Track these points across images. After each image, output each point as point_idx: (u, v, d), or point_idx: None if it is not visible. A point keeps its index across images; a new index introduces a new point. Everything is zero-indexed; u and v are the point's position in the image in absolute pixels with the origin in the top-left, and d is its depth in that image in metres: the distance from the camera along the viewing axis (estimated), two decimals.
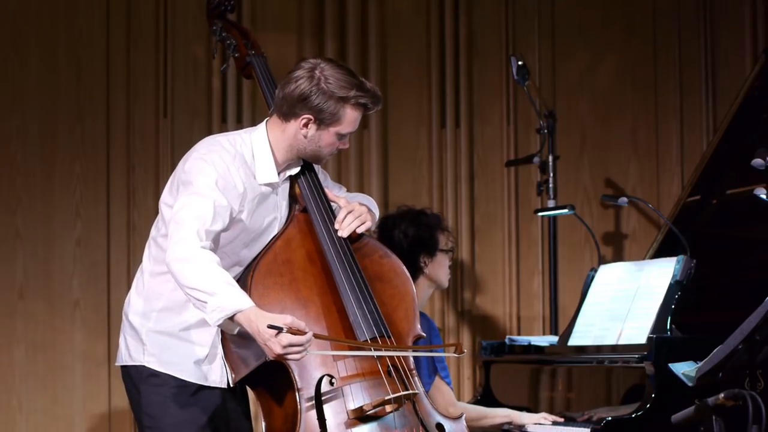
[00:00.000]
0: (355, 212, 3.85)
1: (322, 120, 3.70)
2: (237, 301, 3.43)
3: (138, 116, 5.79)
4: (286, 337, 3.39)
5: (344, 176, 5.92)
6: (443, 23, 6.14)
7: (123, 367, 3.83)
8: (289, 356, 3.43)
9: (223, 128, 5.78)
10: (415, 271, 4.59)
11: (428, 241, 4.63)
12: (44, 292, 5.65)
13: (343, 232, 3.80)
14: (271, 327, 3.38)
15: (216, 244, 3.62)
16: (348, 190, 4.16)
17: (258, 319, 3.41)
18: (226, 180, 3.65)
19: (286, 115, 3.73)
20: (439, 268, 4.67)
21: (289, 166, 3.82)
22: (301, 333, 3.41)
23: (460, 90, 6.13)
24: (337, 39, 6.04)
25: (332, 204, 3.90)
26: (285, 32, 5.98)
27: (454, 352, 3.74)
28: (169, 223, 3.60)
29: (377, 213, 4.05)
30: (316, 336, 3.50)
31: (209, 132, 5.65)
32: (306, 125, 3.71)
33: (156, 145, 5.79)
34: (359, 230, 3.84)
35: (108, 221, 5.73)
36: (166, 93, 5.83)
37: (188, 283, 3.46)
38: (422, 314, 4.60)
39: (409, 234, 4.62)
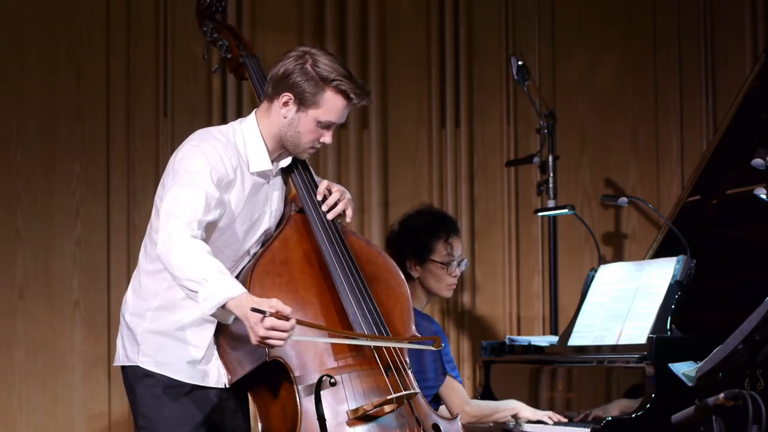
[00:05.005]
0: (338, 191, 3.83)
1: (302, 100, 3.65)
2: (228, 289, 3.40)
3: (138, 116, 5.79)
4: (269, 320, 3.35)
5: (344, 176, 5.92)
6: (443, 23, 6.14)
7: (121, 367, 3.83)
8: (270, 341, 3.39)
9: None
10: (406, 277, 4.55)
11: (421, 248, 4.57)
12: (44, 292, 5.65)
13: (330, 215, 3.79)
14: (254, 310, 3.35)
15: (208, 234, 3.62)
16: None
17: (246, 304, 3.38)
18: (218, 170, 3.63)
19: (270, 96, 3.72)
20: (432, 278, 4.60)
21: (280, 156, 3.79)
22: (285, 318, 3.38)
23: (460, 90, 6.13)
24: (337, 39, 6.04)
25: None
26: (285, 32, 5.97)
27: (432, 346, 3.74)
28: (161, 215, 3.58)
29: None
30: (299, 322, 3.46)
31: None
32: (286, 104, 3.67)
33: (156, 145, 5.79)
34: (348, 213, 3.83)
35: (108, 221, 5.73)
36: (166, 93, 5.83)
37: (180, 274, 3.44)
38: (426, 316, 4.60)
39: (404, 239, 4.59)
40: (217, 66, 4.34)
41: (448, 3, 6.13)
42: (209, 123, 5.83)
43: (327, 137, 3.72)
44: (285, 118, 3.69)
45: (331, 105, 3.67)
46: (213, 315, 3.46)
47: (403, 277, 3.93)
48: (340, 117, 3.70)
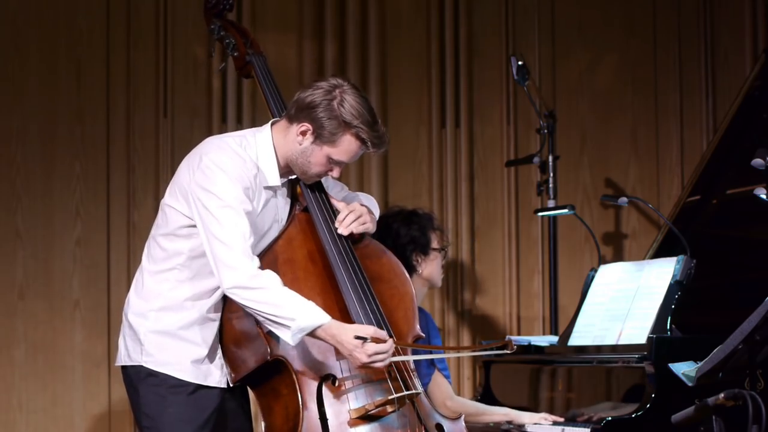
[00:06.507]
0: (355, 212, 3.85)
1: (320, 135, 3.67)
2: (317, 318, 3.55)
3: (138, 116, 5.78)
4: (372, 347, 3.53)
5: (344, 176, 5.85)
6: (443, 23, 6.14)
7: (122, 367, 3.83)
8: (375, 364, 3.55)
9: (223, 128, 5.78)
10: (409, 271, 4.60)
11: (421, 240, 4.64)
12: (44, 292, 5.65)
13: (343, 231, 3.81)
14: (357, 338, 3.52)
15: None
16: (348, 190, 4.16)
17: (341, 332, 3.54)
18: (243, 184, 3.66)
19: (291, 118, 3.74)
20: (433, 267, 4.67)
21: (288, 173, 3.81)
22: (383, 341, 3.54)
23: (460, 90, 6.13)
24: (337, 39, 6.04)
25: (334, 204, 3.90)
26: (285, 32, 5.98)
27: (506, 349, 3.78)
28: (206, 239, 3.60)
29: (378, 212, 4.06)
30: (396, 343, 3.61)
31: (209, 132, 5.65)
32: (303, 133, 3.69)
33: (156, 145, 5.79)
34: (358, 230, 3.84)
35: (108, 221, 5.73)
36: (166, 93, 5.83)
37: (262, 309, 3.55)
38: (420, 309, 4.61)
39: (401, 233, 4.63)
40: (224, 64, 4.34)
41: (448, 3, 6.13)
42: (209, 123, 5.84)
43: (335, 172, 3.78)
44: (300, 145, 3.72)
45: (347, 147, 3.70)
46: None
47: (408, 276, 3.95)
48: (352, 159, 3.75)
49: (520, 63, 5.56)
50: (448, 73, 6.13)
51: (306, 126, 3.68)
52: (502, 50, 6.13)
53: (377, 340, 3.54)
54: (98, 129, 5.74)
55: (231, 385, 3.78)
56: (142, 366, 3.75)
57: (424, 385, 4.45)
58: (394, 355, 3.67)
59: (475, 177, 6.12)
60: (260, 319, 3.58)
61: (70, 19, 5.74)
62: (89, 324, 5.67)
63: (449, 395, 4.56)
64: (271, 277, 3.57)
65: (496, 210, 6.12)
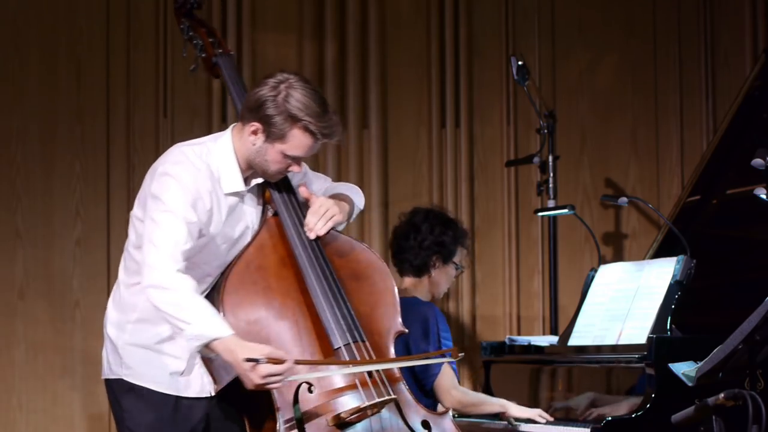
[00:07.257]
0: (319, 211, 3.78)
1: (270, 133, 3.63)
2: (214, 330, 3.46)
3: (138, 116, 5.79)
4: (265, 368, 3.41)
5: (344, 176, 5.92)
6: (443, 23, 6.14)
7: (105, 380, 3.82)
8: (269, 386, 3.45)
9: (223, 128, 5.72)
10: (423, 269, 4.61)
11: (449, 247, 4.66)
12: (44, 292, 5.65)
13: (311, 234, 3.76)
14: (248, 360, 3.40)
15: (187, 258, 3.60)
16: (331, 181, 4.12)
17: (237, 350, 3.44)
18: (194, 196, 3.62)
19: (243, 119, 3.70)
20: (443, 278, 4.70)
21: (253, 175, 3.76)
22: (280, 361, 3.42)
23: (460, 90, 6.13)
24: (337, 39, 6.04)
25: (307, 202, 3.84)
26: (285, 32, 5.98)
27: (453, 357, 3.74)
28: (143, 241, 3.58)
29: (360, 200, 4.00)
30: (298, 362, 3.50)
31: (209, 132, 5.64)
32: (255, 133, 3.65)
33: (156, 145, 5.79)
34: (325, 230, 3.77)
35: (108, 221, 5.73)
36: (166, 93, 5.83)
37: (167, 310, 3.49)
38: (428, 303, 4.61)
39: (435, 231, 4.64)
40: (195, 65, 4.27)
41: (448, 3, 6.13)
42: (209, 123, 5.84)
43: (295, 168, 3.70)
44: (254, 145, 3.67)
45: (298, 142, 3.64)
46: (199, 351, 3.52)
47: (387, 270, 3.88)
48: (306, 153, 3.68)
49: (520, 63, 5.56)
50: (448, 73, 6.13)
51: (256, 125, 3.64)
52: (502, 50, 6.13)
53: (274, 361, 3.42)
54: (98, 129, 5.75)
55: (213, 394, 3.74)
56: (123, 380, 3.74)
57: (434, 375, 4.47)
58: (372, 363, 3.62)
59: (475, 177, 6.12)
60: (169, 323, 3.53)
61: (70, 19, 5.74)
62: (89, 324, 5.67)
63: (454, 385, 4.58)
64: (185, 280, 3.51)
65: (496, 210, 6.12)
